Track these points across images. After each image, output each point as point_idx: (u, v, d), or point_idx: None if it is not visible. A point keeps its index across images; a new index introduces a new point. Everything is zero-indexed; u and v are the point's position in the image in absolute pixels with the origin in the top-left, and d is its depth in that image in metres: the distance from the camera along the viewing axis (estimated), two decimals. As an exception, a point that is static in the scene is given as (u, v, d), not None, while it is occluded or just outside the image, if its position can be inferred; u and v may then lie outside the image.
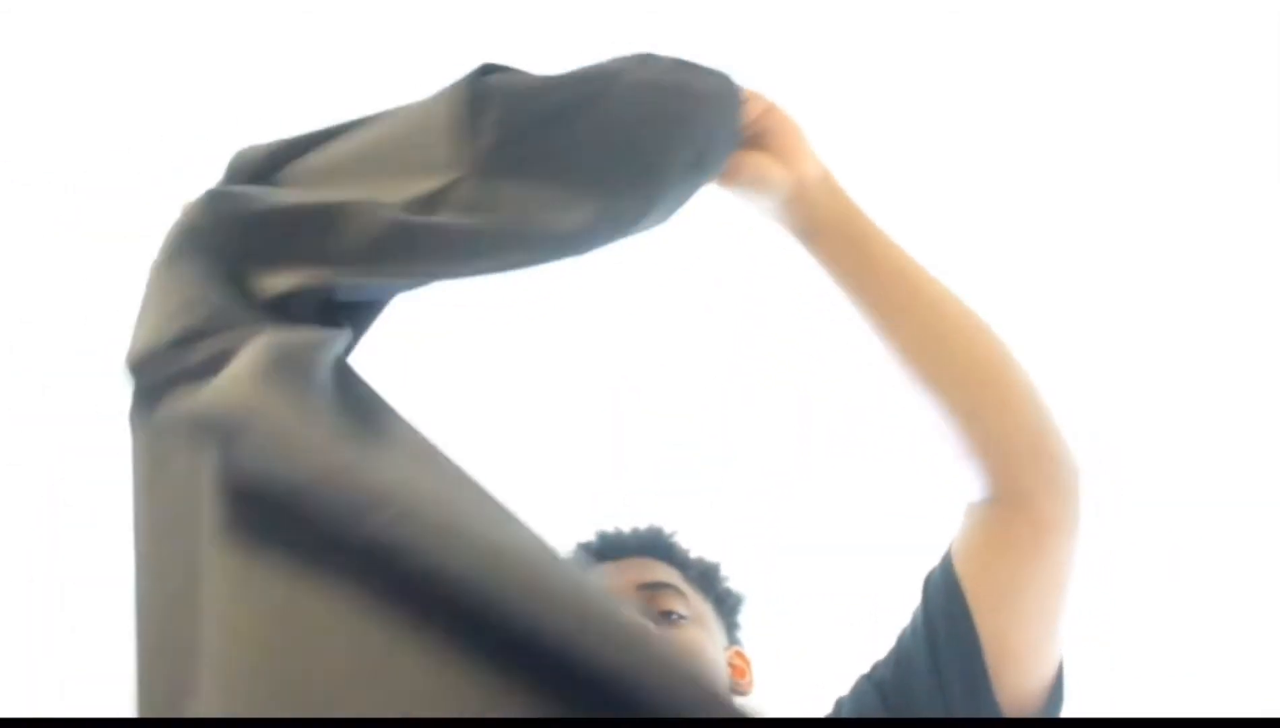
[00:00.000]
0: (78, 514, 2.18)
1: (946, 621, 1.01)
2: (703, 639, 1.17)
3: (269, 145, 0.86)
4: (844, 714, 1.07)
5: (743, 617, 1.30)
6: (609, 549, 1.26)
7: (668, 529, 1.30)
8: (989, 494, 1.03)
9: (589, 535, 1.29)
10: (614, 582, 1.19)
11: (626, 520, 1.30)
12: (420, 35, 2.28)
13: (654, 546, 1.26)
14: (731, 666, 1.23)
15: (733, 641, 1.27)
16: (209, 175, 0.93)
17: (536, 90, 0.87)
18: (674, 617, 1.16)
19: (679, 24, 2.27)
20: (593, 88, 0.88)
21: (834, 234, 1.10)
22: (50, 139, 2.28)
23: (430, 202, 0.81)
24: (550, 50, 2.31)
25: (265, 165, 0.84)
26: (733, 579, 1.30)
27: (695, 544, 1.29)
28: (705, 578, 1.26)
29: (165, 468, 0.70)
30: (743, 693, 1.21)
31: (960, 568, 1.03)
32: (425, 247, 0.81)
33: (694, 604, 1.20)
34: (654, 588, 1.19)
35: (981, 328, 1.07)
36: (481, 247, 0.86)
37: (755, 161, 1.00)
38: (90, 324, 2.19)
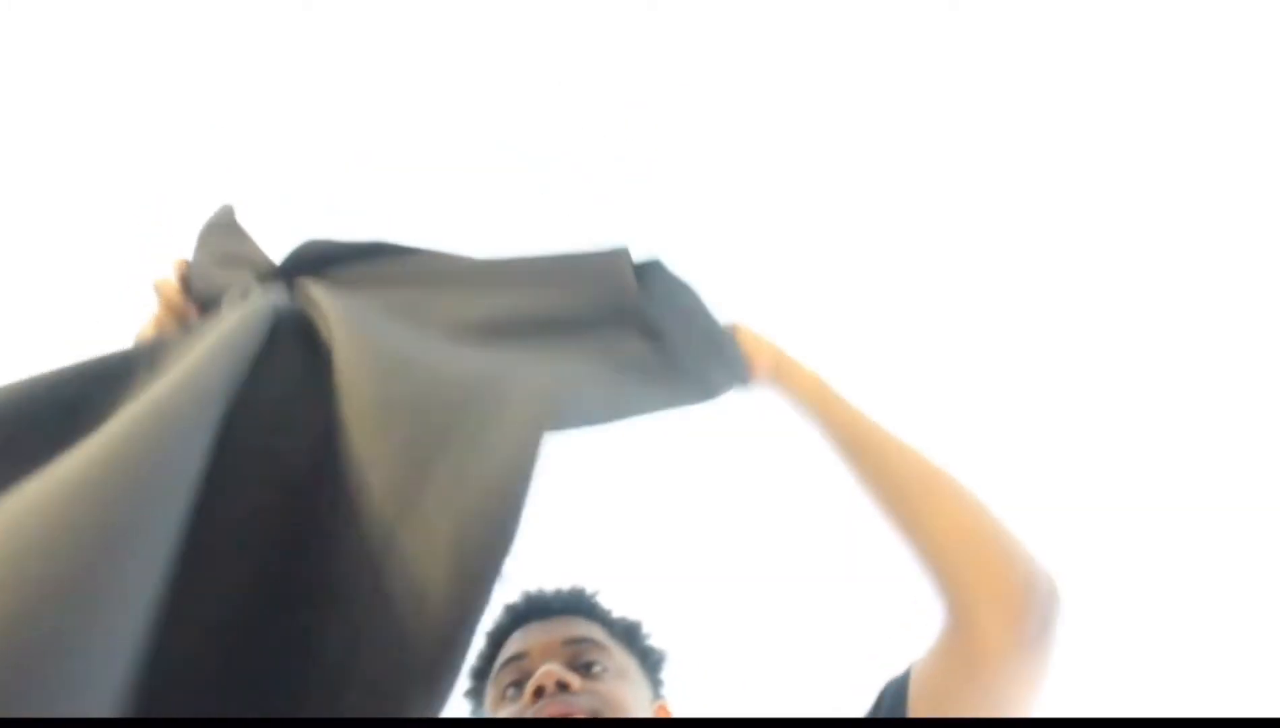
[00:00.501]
0: None
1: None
2: (625, 691, 1.20)
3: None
4: None
5: (666, 674, 1.34)
6: (534, 610, 1.31)
7: (590, 589, 1.34)
8: (942, 609, 1.03)
9: (514, 598, 1.33)
10: (540, 639, 1.24)
11: (550, 582, 1.35)
12: (421, 34, 2.28)
13: (578, 605, 1.31)
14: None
15: (657, 696, 1.30)
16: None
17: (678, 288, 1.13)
18: (596, 668, 1.20)
19: (679, 23, 2.27)
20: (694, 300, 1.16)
21: (795, 403, 1.22)
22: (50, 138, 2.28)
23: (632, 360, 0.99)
24: (550, 49, 2.31)
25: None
26: (655, 636, 1.34)
27: (616, 605, 1.34)
28: (629, 634, 1.31)
29: None
30: None
31: (914, 680, 1.04)
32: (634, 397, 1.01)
33: (617, 658, 1.24)
34: (578, 643, 1.23)
35: (924, 457, 1.12)
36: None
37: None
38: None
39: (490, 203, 2.32)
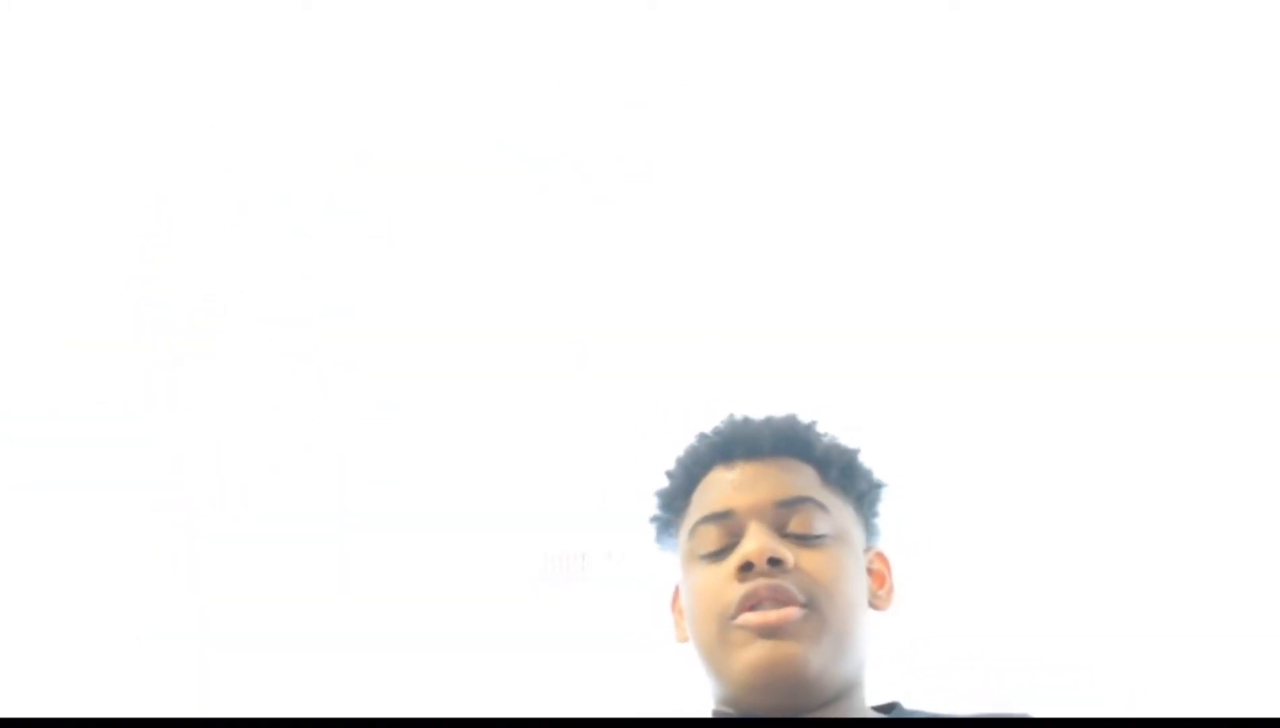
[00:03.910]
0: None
1: None
2: (843, 557, 1.11)
3: None
4: None
5: (883, 507, 1.22)
6: (741, 446, 1.16)
7: (804, 421, 1.19)
8: None
9: (715, 424, 1.20)
10: (748, 497, 1.12)
11: (759, 407, 1.20)
12: (420, 33, 2.28)
13: (791, 443, 1.16)
14: (871, 571, 1.16)
15: (871, 540, 1.19)
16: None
17: None
18: (813, 541, 1.10)
19: (679, 23, 2.27)
20: None
21: None
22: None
23: None
24: (550, 49, 2.31)
25: None
26: (873, 469, 1.21)
27: (832, 429, 1.19)
28: (846, 475, 1.17)
29: None
30: (881, 607, 1.16)
31: None
32: None
33: (835, 515, 1.13)
34: (793, 505, 1.11)
35: None
36: None
37: None
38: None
39: (490, 203, 2.32)
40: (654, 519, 1.22)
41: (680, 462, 1.21)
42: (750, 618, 1.05)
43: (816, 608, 1.06)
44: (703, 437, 1.20)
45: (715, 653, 1.08)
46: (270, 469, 2.26)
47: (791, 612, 1.04)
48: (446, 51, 2.29)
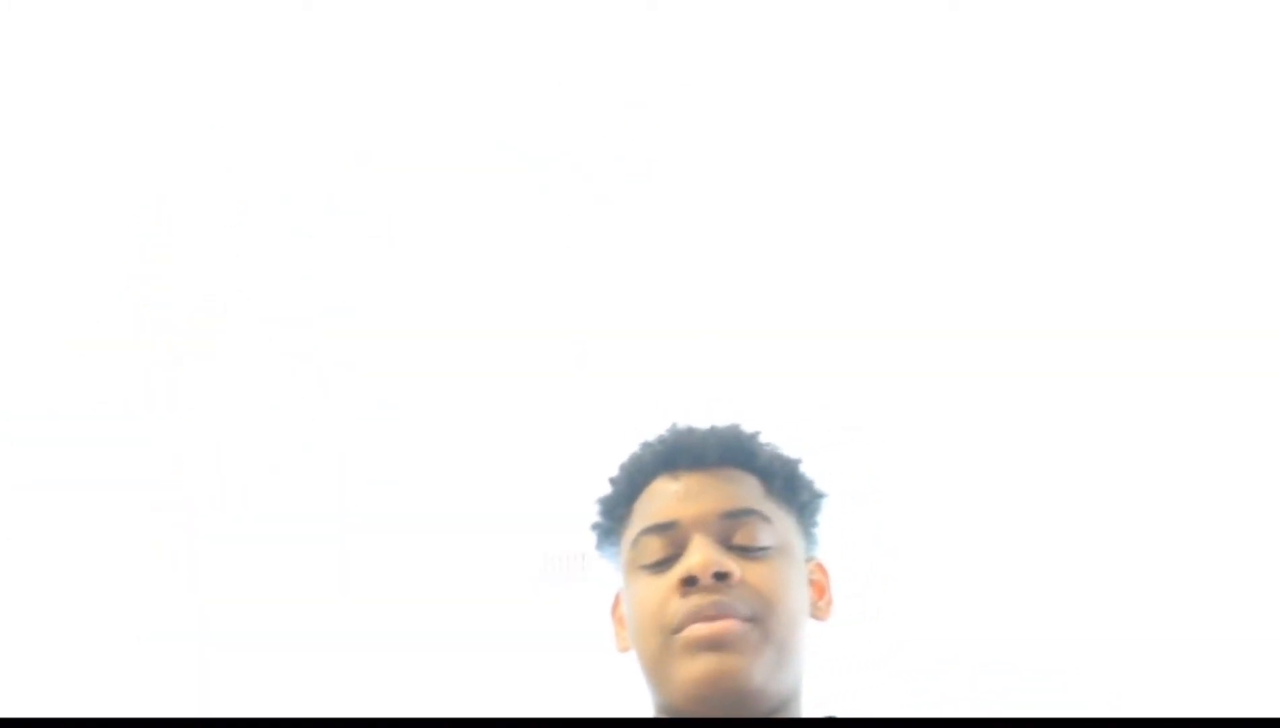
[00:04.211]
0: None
1: None
2: (786, 569, 1.11)
3: None
4: None
5: (822, 517, 1.22)
6: (685, 455, 1.15)
7: (748, 430, 1.19)
8: None
9: (659, 434, 1.19)
10: (693, 509, 1.12)
11: (703, 417, 1.19)
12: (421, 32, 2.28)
13: (736, 453, 1.16)
14: (812, 582, 1.16)
15: (811, 550, 1.19)
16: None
17: None
18: (756, 553, 1.10)
19: (679, 23, 2.27)
20: None
21: None
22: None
23: None
24: (550, 49, 2.31)
25: None
26: (816, 479, 1.20)
27: (775, 438, 1.19)
28: (789, 486, 1.17)
29: None
30: (821, 618, 1.16)
31: None
32: None
33: (778, 527, 1.13)
34: (736, 517, 1.11)
35: None
36: None
37: None
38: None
39: (490, 203, 2.32)
40: (595, 526, 1.22)
41: (624, 469, 1.20)
42: (693, 632, 1.05)
43: (760, 621, 1.06)
44: (646, 445, 1.20)
45: (658, 665, 1.08)
46: (270, 469, 2.26)
47: (735, 625, 1.04)
48: (446, 51, 2.29)
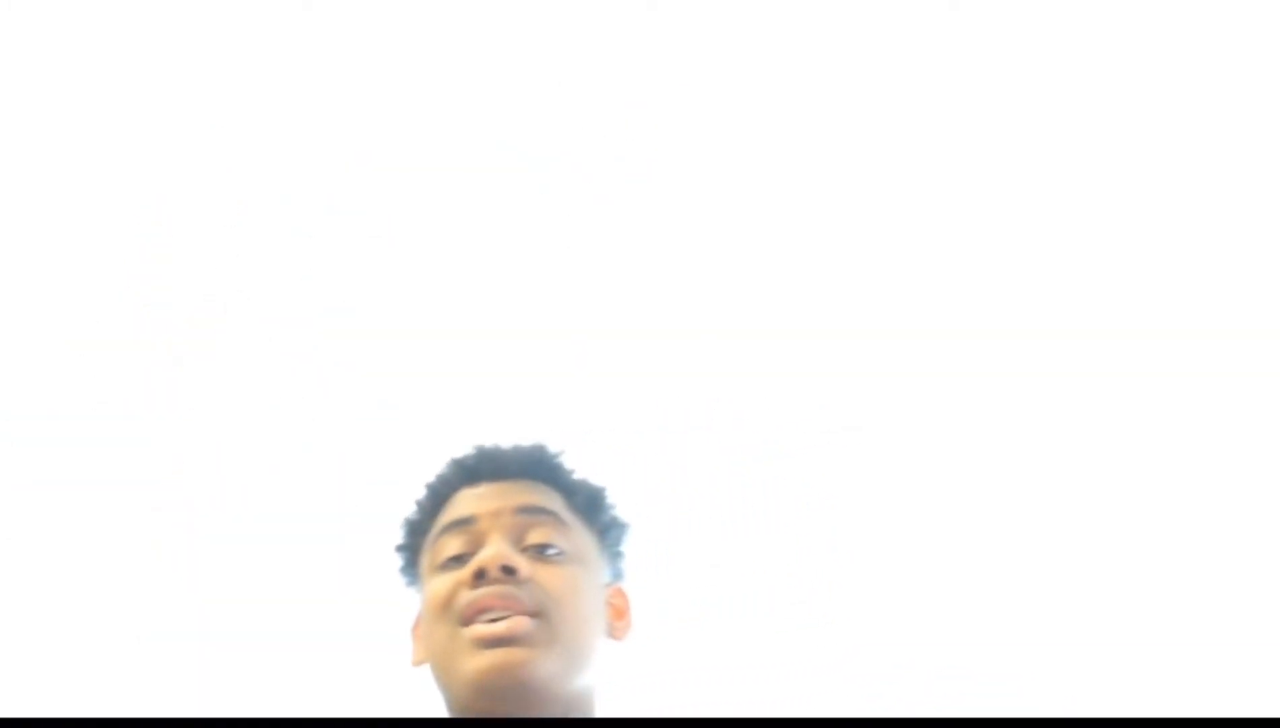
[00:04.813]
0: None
1: None
2: (577, 579, 1.11)
3: None
4: None
5: (626, 548, 1.23)
6: (487, 468, 1.18)
7: (553, 448, 1.21)
8: None
9: (466, 451, 1.21)
10: (491, 505, 1.13)
11: (509, 437, 1.21)
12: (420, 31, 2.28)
13: (537, 466, 1.18)
14: (610, 605, 1.17)
15: (615, 575, 1.20)
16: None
17: None
18: (550, 551, 1.11)
19: (679, 23, 2.27)
20: None
21: None
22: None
23: None
24: (550, 49, 2.31)
25: None
26: (619, 507, 1.22)
27: (582, 465, 1.21)
28: (591, 505, 1.19)
29: None
30: (617, 638, 1.16)
31: None
32: None
33: (575, 537, 1.14)
34: (533, 513, 1.13)
35: None
36: None
37: None
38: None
39: (490, 203, 2.32)
40: (399, 548, 1.23)
41: (428, 487, 1.21)
42: (478, 630, 1.05)
43: (546, 618, 1.06)
44: (451, 462, 1.21)
45: (445, 661, 1.08)
46: (270, 469, 2.26)
47: (521, 621, 1.05)
48: (446, 51, 2.29)
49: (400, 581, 1.22)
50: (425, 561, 1.16)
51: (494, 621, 1.05)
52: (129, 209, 2.31)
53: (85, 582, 2.19)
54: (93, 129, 2.29)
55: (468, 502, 1.15)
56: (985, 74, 2.26)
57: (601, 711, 1.13)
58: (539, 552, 1.11)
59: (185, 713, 2.05)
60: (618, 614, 1.18)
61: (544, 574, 1.09)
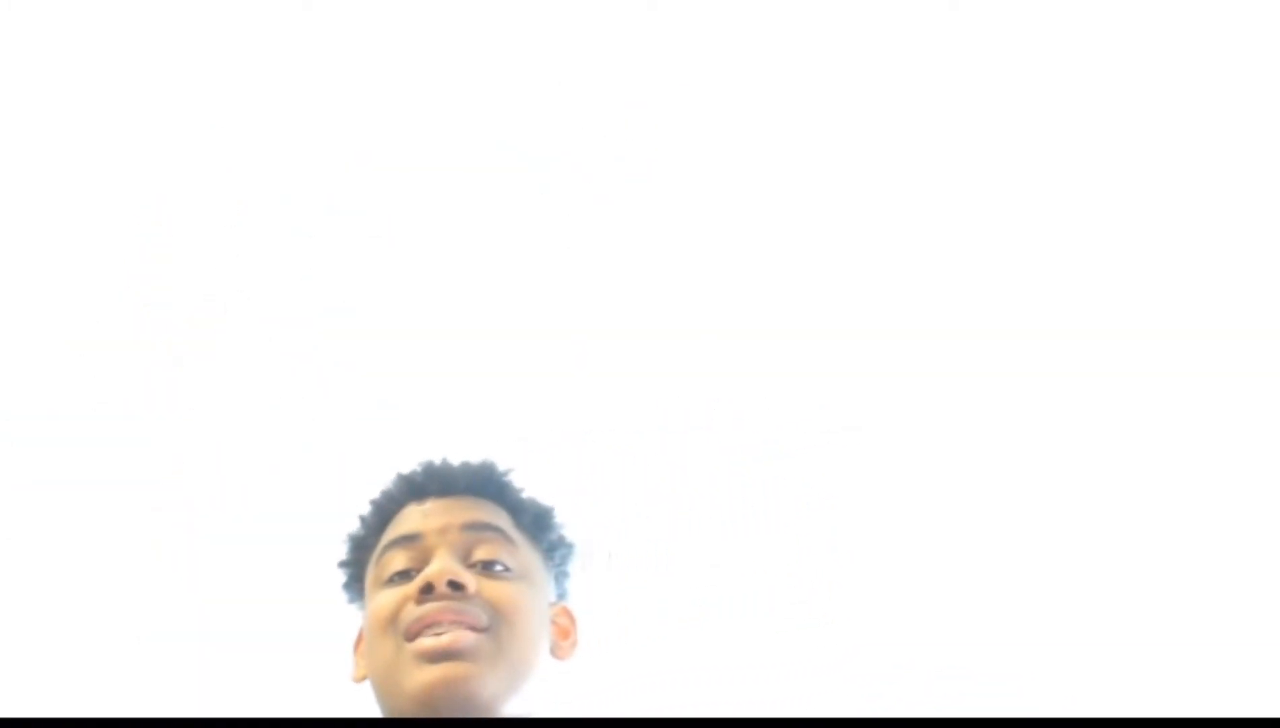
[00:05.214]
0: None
1: None
2: (526, 593, 1.11)
3: None
4: None
5: (573, 567, 1.24)
6: (435, 484, 1.18)
7: (501, 466, 1.22)
8: None
9: (412, 467, 1.22)
10: (438, 521, 1.13)
11: (458, 454, 1.22)
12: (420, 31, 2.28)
13: (485, 484, 1.19)
14: (555, 624, 1.17)
15: (561, 594, 1.21)
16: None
17: None
18: (497, 568, 1.11)
19: (679, 23, 2.27)
20: None
21: None
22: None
23: None
24: (550, 49, 2.31)
25: None
26: (566, 526, 1.23)
27: (530, 484, 1.22)
28: (538, 524, 1.20)
29: None
30: (561, 657, 1.17)
31: None
32: None
33: (522, 555, 1.14)
34: (480, 530, 1.13)
35: None
36: None
37: None
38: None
39: (490, 203, 2.32)
40: (342, 564, 1.23)
41: (373, 503, 1.22)
42: (424, 643, 1.04)
43: (493, 633, 1.06)
44: (398, 477, 1.22)
45: (388, 676, 1.07)
46: (270, 469, 2.26)
47: (466, 635, 1.04)
48: (446, 51, 2.29)
49: (342, 597, 1.22)
50: (370, 576, 1.16)
51: (439, 635, 1.04)
52: (129, 209, 2.31)
53: (85, 582, 2.19)
54: (93, 129, 2.29)
55: (414, 518, 1.15)
56: (985, 74, 2.26)
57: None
58: (486, 568, 1.11)
59: (185, 713, 2.05)
60: (563, 633, 1.18)
61: (491, 590, 1.08)
